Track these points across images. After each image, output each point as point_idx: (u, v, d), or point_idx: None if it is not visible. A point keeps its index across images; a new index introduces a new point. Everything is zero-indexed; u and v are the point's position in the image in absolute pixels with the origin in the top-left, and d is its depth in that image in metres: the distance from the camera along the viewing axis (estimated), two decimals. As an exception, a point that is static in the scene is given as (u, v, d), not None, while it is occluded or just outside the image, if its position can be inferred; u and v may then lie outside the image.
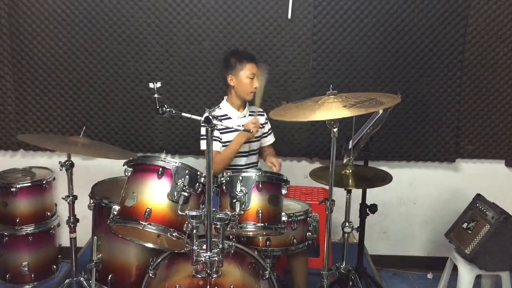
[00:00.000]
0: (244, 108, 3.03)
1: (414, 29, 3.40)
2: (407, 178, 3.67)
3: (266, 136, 3.16)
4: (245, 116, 3.02)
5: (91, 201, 2.64)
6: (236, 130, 2.88)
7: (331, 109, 2.21)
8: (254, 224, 2.21)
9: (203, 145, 2.94)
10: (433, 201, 3.71)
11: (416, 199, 3.74)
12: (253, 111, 3.09)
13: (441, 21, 3.38)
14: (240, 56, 2.96)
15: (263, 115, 3.14)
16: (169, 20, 3.41)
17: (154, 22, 3.41)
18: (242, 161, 2.98)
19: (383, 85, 3.46)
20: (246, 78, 2.89)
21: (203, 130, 2.92)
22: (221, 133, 2.91)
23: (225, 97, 3.03)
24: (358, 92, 2.51)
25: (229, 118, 2.96)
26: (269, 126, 3.19)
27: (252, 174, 2.28)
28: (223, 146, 2.93)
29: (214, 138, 2.68)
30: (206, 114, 1.91)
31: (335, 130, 2.23)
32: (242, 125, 2.82)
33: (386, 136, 3.55)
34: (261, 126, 3.08)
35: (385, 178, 2.70)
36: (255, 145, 3.05)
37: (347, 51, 3.44)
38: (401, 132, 3.56)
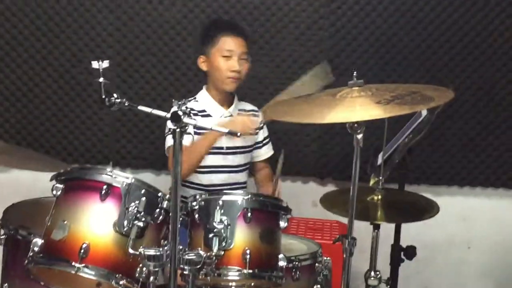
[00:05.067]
0: (231, 104, 3.02)
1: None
2: (460, 210, 3.69)
3: (260, 147, 3.15)
4: (231, 115, 3.01)
5: (2, 232, 2.60)
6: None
7: (355, 106, 2.20)
8: (239, 271, 2.19)
9: (169, 142, 2.91)
10: (496, 244, 3.73)
11: (472, 241, 3.75)
12: (244, 109, 3.08)
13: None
14: (214, 27, 2.97)
15: (258, 116, 3.13)
16: (123, -27, 3.44)
17: (102, -24, 3.44)
18: (221, 179, 2.98)
19: (428, 76, 3.49)
20: (220, 57, 2.89)
21: (169, 124, 2.90)
22: (196, 133, 2.89)
23: (204, 86, 3.03)
24: (393, 84, 2.51)
25: (208, 115, 2.95)
26: (266, 133, 3.17)
27: (237, 198, 2.27)
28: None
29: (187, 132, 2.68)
30: (174, 108, 1.89)
31: (359, 137, 2.22)
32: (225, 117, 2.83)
33: (431, 150, 3.58)
34: (255, 132, 3.08)
35: (428, 210, 2.69)
36: (243, 158, 3.04)
37: (377, 26, 3.47)
38: (453, 145, 3.58)
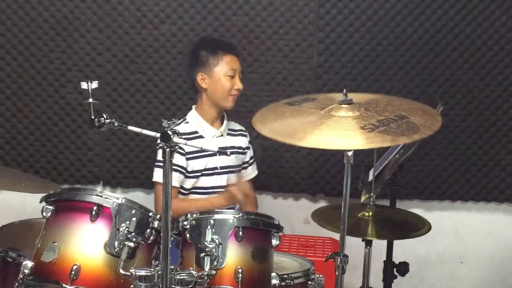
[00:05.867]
0: (222, 123, 3.03)
1: (463, 12, 3.45)
2: (451, 225, 3.69)
3: (246, 167, 3.17)
4: (222, 135, 3.01)
5: (-8, 254, 2.59)
6: (210, 155, 2.88)
7: (339, 130, 2.14)
8: (231, 290, 2.19)
9: (156, 175, 2.92)
10: (488, 258, 3.73)
11: (464, 256, 3.75)
12: (233, 129, 3.09)
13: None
14: (213, 46, 2.98)
15: (246, 136, 3.15)
16: (112, -7, 3.44)
17: (91, -4, 3.45)
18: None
19: (416, 92, 3.50)
20: (224, 76, 2.92)
21: (159, 154, 2.90)
22: (187, 159, 2.89)
23: (194, 106, 3.03)
24: (381, 101, 2.51)
25: (200, 137, 2.96)
26: (252, 153, 3.20)
27: (229, 216, 2.27)
28: (190, 177, 2.91)
29: (175, 167, 2.67)
30: (165, 128, 1.90)
31: (349, 154, 2.22)
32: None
33: (422, 165, 3.58)
34: (242, 151, 3.09)
35: (419, 226, 2.70)
36: (234, 177, 3.04)
37: (366, 42, 3.48)
38: (443, 160, 3.59)
